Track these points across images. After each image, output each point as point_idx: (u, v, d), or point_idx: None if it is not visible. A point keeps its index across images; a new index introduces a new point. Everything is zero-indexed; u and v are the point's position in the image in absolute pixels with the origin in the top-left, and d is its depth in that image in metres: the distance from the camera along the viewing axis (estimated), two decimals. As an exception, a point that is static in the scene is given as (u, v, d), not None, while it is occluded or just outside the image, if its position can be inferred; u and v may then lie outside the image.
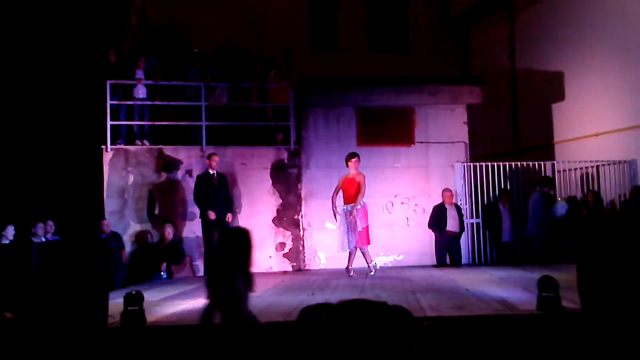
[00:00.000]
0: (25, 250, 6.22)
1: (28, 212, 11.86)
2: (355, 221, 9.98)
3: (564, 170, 13.04)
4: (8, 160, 13.89)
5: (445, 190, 11.90)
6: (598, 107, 13.38)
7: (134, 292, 6.02)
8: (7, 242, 10.45)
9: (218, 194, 11.27)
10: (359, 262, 10.27)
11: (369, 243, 10.16)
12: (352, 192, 10.14)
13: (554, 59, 14.68)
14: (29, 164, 13.91)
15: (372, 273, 10.08)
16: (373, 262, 10.38)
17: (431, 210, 11.91)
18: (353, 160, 10.24)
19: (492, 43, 17.15)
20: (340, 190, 10.32)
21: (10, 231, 10.64)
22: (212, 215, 11.12)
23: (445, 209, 11.74)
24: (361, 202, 10.07)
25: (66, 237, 11.37)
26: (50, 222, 11.26)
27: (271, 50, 13.91)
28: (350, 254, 10.19)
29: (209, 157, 11.46)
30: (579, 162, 13.00)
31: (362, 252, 10.18)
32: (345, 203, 10.19)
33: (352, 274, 10.08)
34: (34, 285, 5.76)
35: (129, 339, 5.75)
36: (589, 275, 5.57)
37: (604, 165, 12.68)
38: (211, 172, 11.37)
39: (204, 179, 11.35)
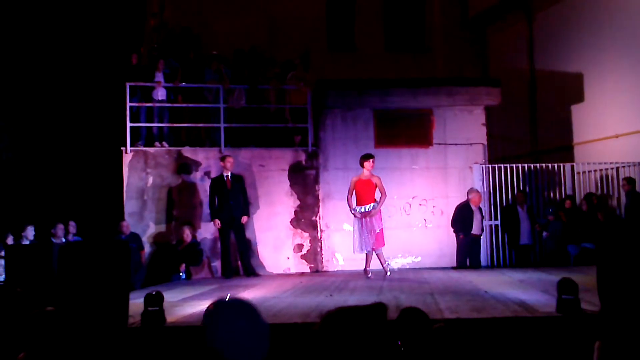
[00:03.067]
0: (46, 251, 6.29)
1: (48, 213, 11.98)
2: (373, 223, 10.01)
3: (583, 172, 12.95)
4: (29, 162, 14.04)
5: (474, 190, 11.79)
6: (617, 108, 13.28)
7: (154, 293, 6.06)
8: (28, 242, 10.57)
9: (231, 196, 11.30)
10: (376, 263, 10.29)
11: (383, 244, 10.21)
12: (369, 194, 10.15)
13: (573, 60, 14.58)
14: (50, 165, 14.05)
15: (389, 274, 10.11)
16: (386, 263, 10.43)
17: (454, 210, 11.82)
18: (370, 160, 10.22)
19: (510, 44, 17.06)
20: (354, 192, 10.28)
21: (30, 232, 10.75)
22: (217, 224, 11.24)
23: (472, 210, 11.64)
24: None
25: (86, 238, 11.47)
26: (72, 223, 11.38)
27: (288, 52, 13.95)
28: (367, 255, 10.22)
29: (222, 159, 11.49)
30: (599, 163, 12.90)
31: (376, 254, 10.21)
32: (361, 204, 10.16)
33: (369, 275, 10.09)
34: (56, 285, 5.83)
35: (149, 339, 5.80)
36: (609, 277, 5.53)
37: (623, 166, 12.57)
38: (225, 174, 11.41)
39: (217, 182, 11.39)
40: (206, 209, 11.76)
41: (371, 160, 10.23)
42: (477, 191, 11.81)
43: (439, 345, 3.44)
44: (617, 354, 3.10)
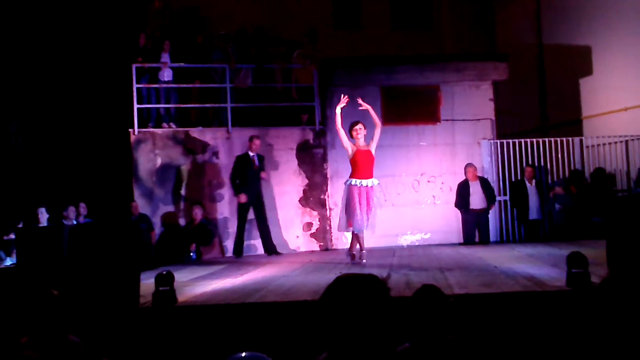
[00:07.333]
0: (57, 233, 6.32)
1: (59, 196, 12.05)
2: (373, 200, 8.92)
3: (592, 146, 12.89)
4: (39, 145, 14.09)
5: (468, 165, 11.75)
6: (626, 81, 13.17)
7: (165, 273, 6.10)
8: (42, 225, 10.62)
9: (256, 175, 11.28)
10: (382, 241, 10.04)
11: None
12: (368, 167, 8.94)
13: (581, 32, 14.44)
14: (60, 148, 14.09)
15: (364, 260, 9.04)
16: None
17: (456, 188, 11.85)
18: (356, 128, 9.09)
19: (517, 18, 16.91)
20: (355, 164, 8.96)
21: (43, 215, 10.80)
22: (243, 198, 11.15)
23: (468, 186, 11.63)
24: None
25: (97, 219, 11.54)
26: (82, 205, 11.43)
27: (293, 31, 13.88)
28: (359, 236, 9.01)
29: (250, 139, 11.35)
30: (608, 137, 12.82)
31: (356, 236, 9.07)
32: (363, 177, 8.87)
33: (363, 260, 9.09)
34: (67, 267, 5.87)
35: (160, 318, 5.85)
36: (620, 251, 5.52)
37: (632, 140, 12.50)
38: (251, 154, 11.33)
39: (243, 161, 11.27)
40: (216, 189, 11.80)
41: (356, 128, 9.05)
42: (472, 165, 11.76)
43: (450, 320, 3.47)
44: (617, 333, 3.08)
